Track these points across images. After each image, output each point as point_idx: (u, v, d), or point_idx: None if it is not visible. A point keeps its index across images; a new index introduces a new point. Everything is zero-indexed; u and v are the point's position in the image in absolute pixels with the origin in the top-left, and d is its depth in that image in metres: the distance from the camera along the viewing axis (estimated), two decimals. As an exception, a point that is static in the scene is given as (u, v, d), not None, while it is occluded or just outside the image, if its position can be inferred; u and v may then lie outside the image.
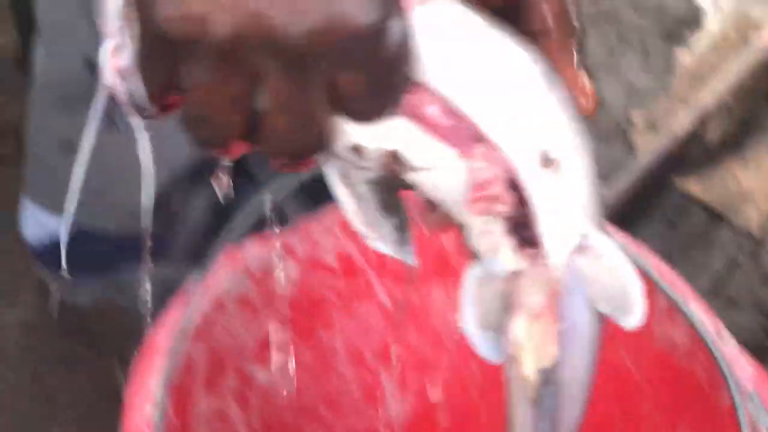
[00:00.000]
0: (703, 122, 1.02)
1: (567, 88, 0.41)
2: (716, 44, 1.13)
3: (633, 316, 0.41)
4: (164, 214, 0.87)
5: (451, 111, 0.37)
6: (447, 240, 0.72)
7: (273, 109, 0.35)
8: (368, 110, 0.36)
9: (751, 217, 0.97)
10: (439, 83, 0.36)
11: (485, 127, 0.37)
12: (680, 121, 1.01)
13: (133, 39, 0.36)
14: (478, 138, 0.37)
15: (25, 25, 1.07)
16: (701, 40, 1.14)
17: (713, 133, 1.03)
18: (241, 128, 0.36)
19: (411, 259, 0.44)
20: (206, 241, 0.91)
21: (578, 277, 0.42)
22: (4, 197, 1.06)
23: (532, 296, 0.42)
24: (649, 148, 1.01)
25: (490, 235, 0.40)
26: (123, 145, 0.86)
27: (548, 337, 0.42)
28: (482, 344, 0.43)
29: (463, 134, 0.37)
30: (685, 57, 1.14)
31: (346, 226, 0.74)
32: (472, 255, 0.42)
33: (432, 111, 0.37)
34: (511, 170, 0.38)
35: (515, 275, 0.41)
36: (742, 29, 1.14)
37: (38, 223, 0.96)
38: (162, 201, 0.88)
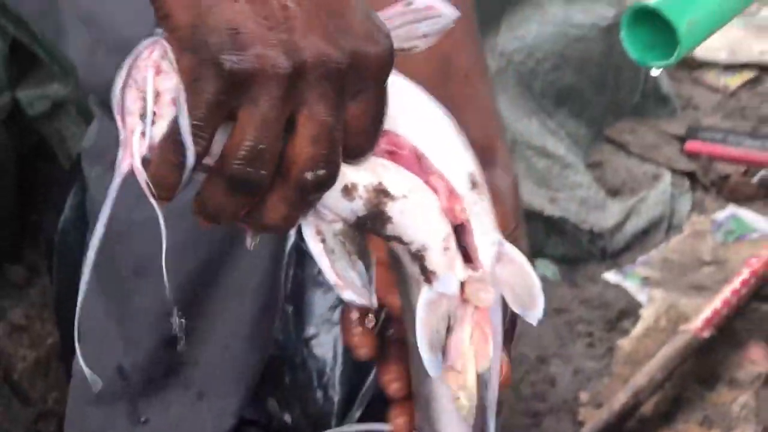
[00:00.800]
0: (639, 399, 1.07)
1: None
2: (651, 331, 1.19)
3: (538, 311, 0.45)
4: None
5: (411, 149, 0.43)
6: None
7: (305, 142, 0.38)
8: (366, 144, 0.40)
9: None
10: (399, 127, 0.42)
11: (433, 159, 0.43)
12: (620, 398, 1.07)
13: (176, 109, 0.38)
14: (431, 169, 0.43)
15: (67, 326, 1.16)
16: (638, 328, 1.20)
17: (648, 409, 1.08)
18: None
19: (373, 301, 0.45)
20: None
21: (498, 282, 0.45)
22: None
23: (480, 299, 0.45)
24: (593, 422, 1.08)
25: (448, 251, 0.44)
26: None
27: (485, 340, 0.45)
28: (431, 363, 0.44)
29: (423, 166, 0.43)
30: (625, 342, 1.20)
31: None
32: (429, 279, 0.44)
33: (398, 149, 0.42)
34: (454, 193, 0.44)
35: (462, 289, 0.45)
36: (673, 319, 1.20)
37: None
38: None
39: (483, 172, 0.47)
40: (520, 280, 0.46)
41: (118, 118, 0.39)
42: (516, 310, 0.46)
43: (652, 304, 1.26)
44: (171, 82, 0.38)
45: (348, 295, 0.44)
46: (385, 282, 0.49)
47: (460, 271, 0.45)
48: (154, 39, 0.39)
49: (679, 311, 1.23)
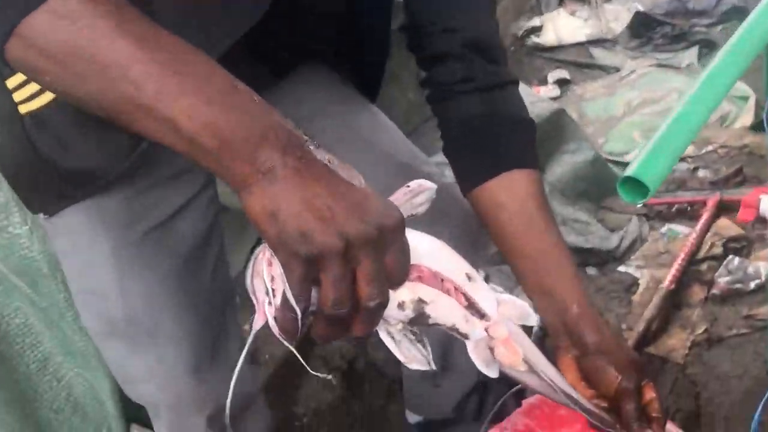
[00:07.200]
0: (649, 324, 1.53)
1: None
2: (645, 291, 1.69)
3: (532, 318, 0.68)
4: None
5: (428, 271, 0.61)
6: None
7: (364, 284, 0.53)
8: (400, 277, 0.58)
9: None
10: (421, 259, 0.61)
11: (443, 273, 0.62)
12: (638, 325, 1.54)
13: (284, 285, 0.52)
14: (443, 279, 0.63)
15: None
16: (640, 289, 1.71)
17: (652, 327, 1.56)
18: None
19: (432, 365, 0.63)
20: None
21: (506, 316, 0.67)
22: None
23: (497, 333, 0.66)
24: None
25: (468, 320, 0.63)
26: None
27: (514, 351, 0.68)
28: (489, 372, 0.68)
29: (437, 279, 0.62)
30: (636, 297, 1.69)
31: None
32: (466, 337, 0.64)
33: (421, 274, 0.60)
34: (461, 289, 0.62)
35: (487, 332, 0.66)
36: (655, 283, 1.66)
37: None
38: None
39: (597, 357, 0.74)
40: (515, 309, 0.67)
41: (252, 296, 0.55)
42: (520, 323, 0.68)
43: (644, 277, 1.84)
44: (279, 269, 0.53)
45: (413, 366, 0.61)
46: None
47: (479, 325, 0.65)
48: (264, 245, 0.55)
49: (657, 278, 1.80)
